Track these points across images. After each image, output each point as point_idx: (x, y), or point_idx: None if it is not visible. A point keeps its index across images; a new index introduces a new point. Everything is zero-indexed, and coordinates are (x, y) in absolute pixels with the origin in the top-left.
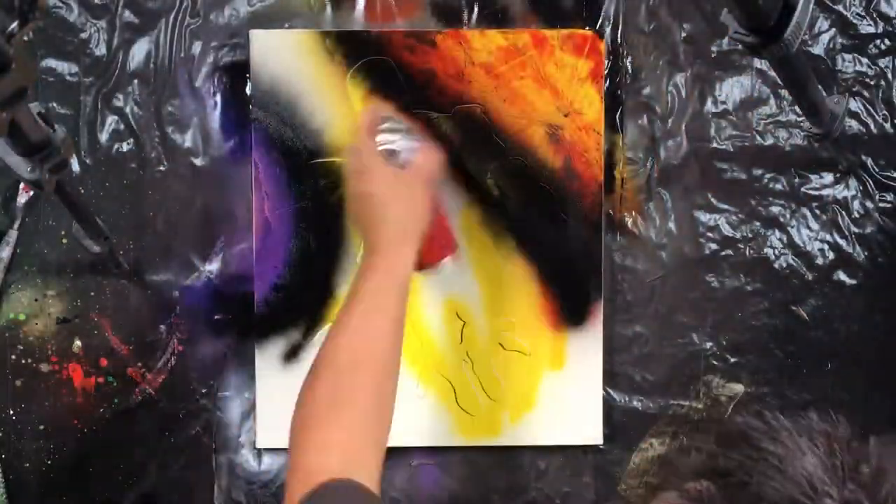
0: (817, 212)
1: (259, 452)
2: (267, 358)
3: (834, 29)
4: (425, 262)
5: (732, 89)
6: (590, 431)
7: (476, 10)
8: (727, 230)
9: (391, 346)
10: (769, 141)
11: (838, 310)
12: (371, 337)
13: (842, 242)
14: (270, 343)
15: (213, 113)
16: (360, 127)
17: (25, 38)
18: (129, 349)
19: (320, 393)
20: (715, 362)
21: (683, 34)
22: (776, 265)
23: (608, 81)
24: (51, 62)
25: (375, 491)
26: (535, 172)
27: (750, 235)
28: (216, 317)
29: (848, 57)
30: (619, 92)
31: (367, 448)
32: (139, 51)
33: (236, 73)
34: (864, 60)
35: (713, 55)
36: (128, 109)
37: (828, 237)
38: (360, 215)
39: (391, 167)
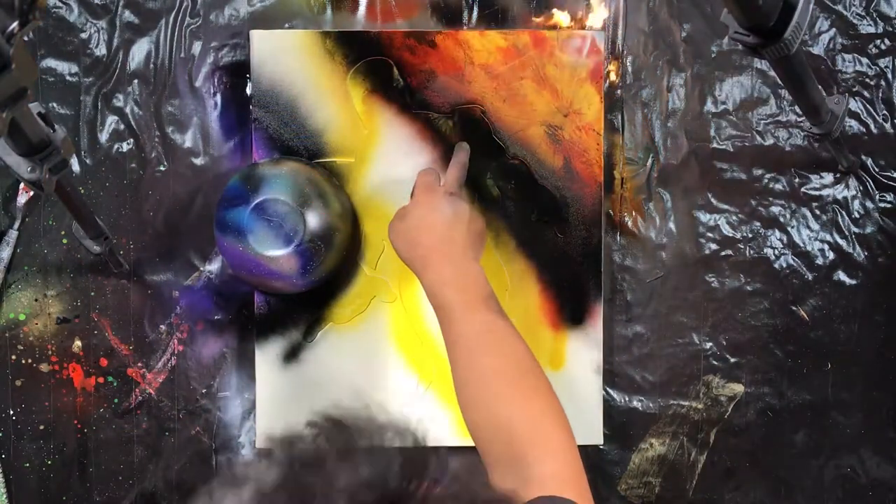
0: (817, 212)
1: (259, 452)
2: (267, 358)
3: (834, 29)
4: None
5: (732, 89)
6: (590, 431)
7: (476, 10)
8: (727, 230)
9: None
10: (769, 141)
11: (838, 310)
12: (521, 352)
13: (842, 242)
14: (270, 343)
15: (213, 113)
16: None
17: (25, 38)
18: (129, 349)
19: (518, 431)
20: (715, 362)
21: (683, 34)
22: (776, 265)
23: (608, 81)
24: (51, 62)
25: None
26: (535, 172)
27: (750, 235)
28: (216, 317)
29: (848, 57)
30: (619, 92)
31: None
32: (139, 51)
33: (236, 73)
34: (864, 60)
35: (713, 55)
36: (128, 109)
37: (828, 237)
38: (418, 245)
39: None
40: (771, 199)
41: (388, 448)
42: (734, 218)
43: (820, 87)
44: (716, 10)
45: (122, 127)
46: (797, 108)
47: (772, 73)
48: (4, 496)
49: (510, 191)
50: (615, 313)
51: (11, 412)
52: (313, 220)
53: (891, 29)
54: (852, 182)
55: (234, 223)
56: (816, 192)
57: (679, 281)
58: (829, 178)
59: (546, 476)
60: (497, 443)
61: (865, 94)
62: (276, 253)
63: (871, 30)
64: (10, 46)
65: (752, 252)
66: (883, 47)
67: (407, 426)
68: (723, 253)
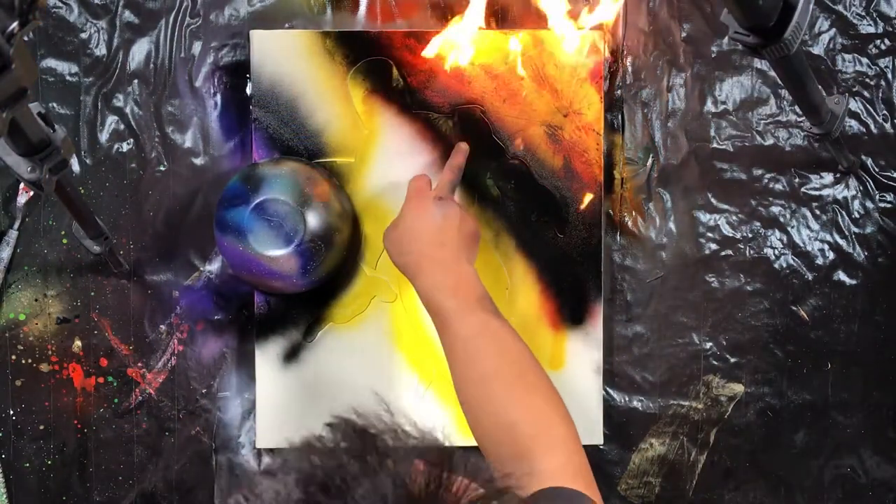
0: (817, 212)
1: (259, 452)
2: (267, 358)
3: (834, 29)
4: None
5: (732, 89)
6: (590, 431)
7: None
8: (727, 230)
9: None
10: (769, 141)
11: (838, 310)
12: (516, 352)
13: (842, 242)
14: (270, 343)
15: (213, 113)
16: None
17: (25, 38)
18: (129, 349)
19: (524, 426)
20: (715, 362)
21: (683, 34)
22: (776, 265)
23: (608, 81)
24: (51, 62)
25: None
26: (535, 172)
27: (750, 235)
28: (216, 317)
29: (848, 57)
30: (619, 92)
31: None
32: (139, 51)
33: (236, 73)
34: (864, 60)
35: (713, 55)
36: (128, 109)
37: (828, 237)
38: (413, 250)
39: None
40: (771, 199)
41: (410, 453)
42: (734, 218)
43: (820, 87)
44: (716, 10)
45: (122, 127)
46: (797, 108)
47: (772, 73)
48: (4, 496)
49: (510, 191)
50: (615, 313)
51: (11, 412)
52: (313, 220)
53: (891, 29)
54: (852, 182)
55: (234, 223)
56: (816, 192)
57: (679, 281)
58: (829, 178)
59: (554, 469)
60: (502, 442)
61: (865, 94)
62: (276, 253)
63: (871, 30)
64: (10, 46)
65: (752, 252)
66: (883, 47)
67: (430, 430)
68: (723, 253)
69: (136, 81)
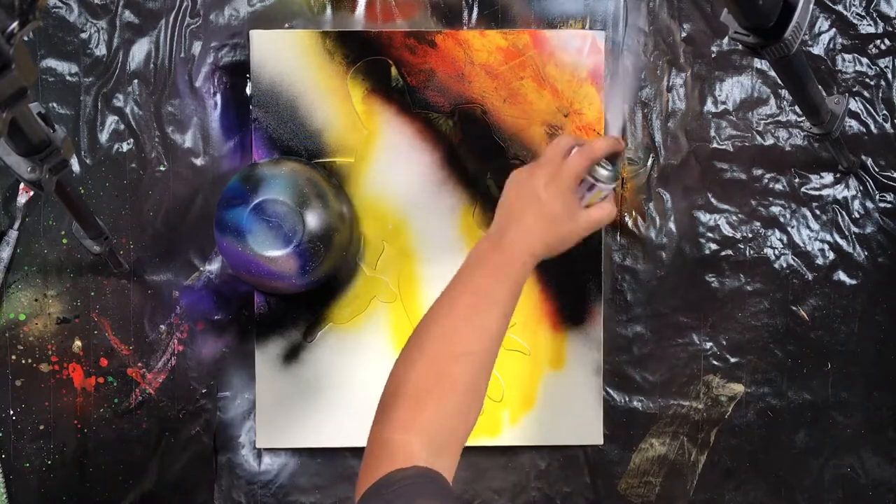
0: (817, 212)
1: (259, 452)
2: (267, 358)
3: (834, 29)
4: None
5: (732, 89)
6: (590, 431)
7: (476, 10)
8: (727, 230)
9: (494, 344)
10: (769, 141)
11: (838, 310)
12: (477, 331)
13: (842, 242)
14: (270, 343)
15: (213, 113)
16: (580, 155)
17: (25, 38)
18: (129, 349)
19: (414, 376)
20: (715, 362)
21: (683, 34)
22: (776, 265)
23: (608, 81)
24: (51, 62)
25: (450, 484)
26: None
27: (750, 235)
28: (216, 317)
29: (848, 57)
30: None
31: (451, 441)
32: (139, 51)
33: (236, 73)
34: (864, 60)
35: (713, 55)
36: (128, 109)
37: (828, 237)
38: (514, 201)
39: (575, 199)
40: (771, 199)
41: None
42: (734, 218)
43: (820, 87)
44: (716, 10)
45: (122, 127)
46: (797, 108)
47: (772, 73)
48: (4, 496)
49: None
50: (615, 313)
51: (11, 412)
52: (312, 220)
53: (891, 29)
54: (852, 182)
55: (233, 223)
56: (816, 192)
57: (679, 281)
58: (829, 178)
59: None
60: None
61: (865, 94)
62: (275, 253)
63: (871, 30)
64: (10, 46)
65: (752, 252)
66: (883, 47)
67: None
68: (723, 253)
69: (136, 81)
